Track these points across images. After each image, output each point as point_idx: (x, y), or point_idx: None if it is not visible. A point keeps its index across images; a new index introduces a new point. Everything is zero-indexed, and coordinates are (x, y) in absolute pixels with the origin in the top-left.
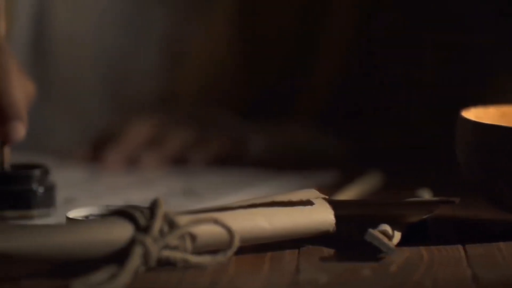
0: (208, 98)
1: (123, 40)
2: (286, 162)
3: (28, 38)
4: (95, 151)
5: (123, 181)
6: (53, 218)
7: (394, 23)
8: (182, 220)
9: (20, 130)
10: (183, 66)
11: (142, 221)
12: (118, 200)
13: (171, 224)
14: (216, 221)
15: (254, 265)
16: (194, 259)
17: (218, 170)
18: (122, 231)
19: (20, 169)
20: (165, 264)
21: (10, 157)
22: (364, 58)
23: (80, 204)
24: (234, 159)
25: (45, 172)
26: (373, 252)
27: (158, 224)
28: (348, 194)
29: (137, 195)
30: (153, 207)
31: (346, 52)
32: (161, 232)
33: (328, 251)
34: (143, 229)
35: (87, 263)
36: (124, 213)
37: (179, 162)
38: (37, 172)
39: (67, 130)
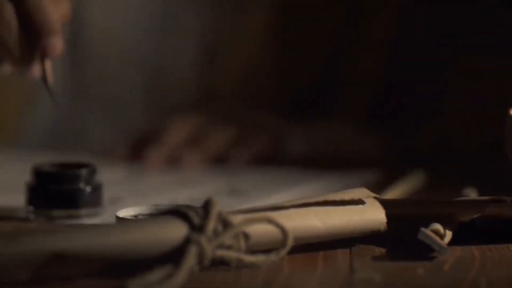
0: (246, 97)
1: (160, 38)
2: (326, 161)
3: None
4: (136, 150)
5: (166, 180)
6: (101, 218)
7: (435, 19)
8: (236, 219)
9: (57, 45)
10: (221, 65)
11: (196, 220)
12: (163, 199)
13: (225, 224)
14: (270, 220)
15: (307, 265)
16: (248, 258)
17: (259, 169)
18: (177, 231)
19: (67, 168)
20: (219, 263)
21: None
22: (405, 57)
23: (126, 204)
24: (274, 158)
25: (93, 171)
26: (425, 251)
27: (212, 223)
28: (393, 193)
29: (182, 194)
30: (207, 206)
31: (387, 51)
32: (215, 232)
33: (380, 250)
34: (197, 228)
35: (139, 263)
36: (178, 213)
37: (219, 161)
38: (84, 172)
39: (105, 128)
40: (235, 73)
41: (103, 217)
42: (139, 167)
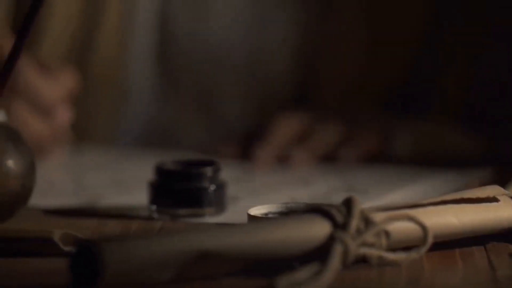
0: (347, 94)
1: (252, 36)
2: (433, 160)
3: (151, 37)
4: (244, 148)
5: (279, 179)
6: (224, 216)
7: None
8: (377, 217)
9: (62, 118)
10: (317, 62)
11: (339, 218)
12: (281, 198)
13: (367, 221)
14: (411, 218)
15: (446, 262)
16: (390, 256)
17: (369, 168)
18: (320, 229)
19: (190, 166)
20: (360, 261)
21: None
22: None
23: (245, 203)
24: (381, 156)
25: (217, 169)
26: None
27: (355, 221)
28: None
29: (299, 192)
30: (349, 204)
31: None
32: (358, 230)
33: None
34: (340, 226)
35: (280, 262)
36: (319, 211)
37: (328, 159)
38: (209, 170)
39: (199, 127)
40: (330, 71)
41: (226, 216)
42: (248, 165)
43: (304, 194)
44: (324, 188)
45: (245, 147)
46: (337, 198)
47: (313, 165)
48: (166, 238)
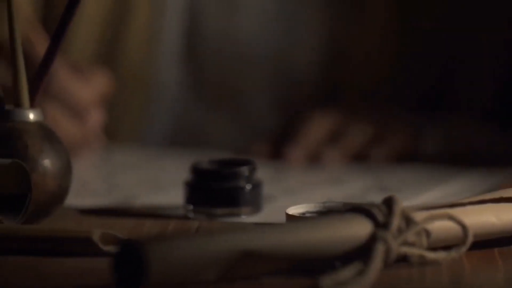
0: (377, 93)
1: (280, 35)
2: (464, 158)
3: (180, 36)
4: (275, 147)
5: (311, 178)
6: (260, 216)
7: None
8: (418, 216)
9: (94, 120)
10: (346, 60)
11: (380, 217)
12: (315, 197)
13: (408, 221)
14: (451, 217)
15: (486, 262)
16: (430, 255)
17: (401, 167)
18: (362, 228)
19: (225, 165)
20: (400, 260)
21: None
22: None
23: (280, 202)
24: (412, 156)
25: (253, 169)
26: None
27: (397, 220)
28: None
29: (332, 191)
30: (390, 203)
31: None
32: (399, 229)
33: None
34: (382, 225)
35: (321, 261)
36: (360, 210)
37: (359, 158)
38: (246, 169)
39: (226, 126)
40: (359, 69)
41: (262, 215)
42: (280, 164)
43: (338, 193)
44: (357, 187)
45: (277, 146)
46: (371, 197)
47: (344, 164)
48: (209, 238)
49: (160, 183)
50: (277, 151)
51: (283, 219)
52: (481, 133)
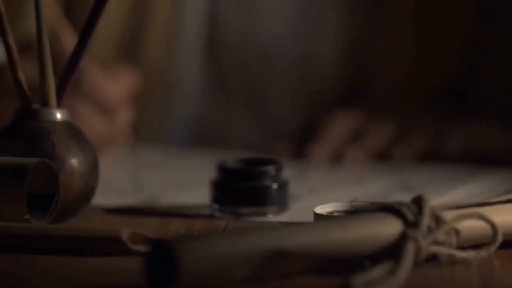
0: (399, 93)
1: (301, 33)
2: (484, 158)
3: (201, 35)
4: (298, 147)
5: (335, 177)
6: (286, 215)
7: None
8: (448, 215)
9: (122, 118)
10: (368, 60)
11: (410, 216)
12: (339, 196)
13: (438, 220)
14: (480, 216)
15: None
16: (460, 254)
17: (422, 166)
18: (392, 227)
19: (251, 165)
20: (430, 259)
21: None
22: None
23: (305, 201)
24: (433, 155)
25: (279, 168)
26: None
27: (427, 219)
28: None
29: (356, 191)
30: (420, 202)
31: None
32: (429, 228)
33: None
34: (412, 224)
35: (350, 261)
36: (390, 209)
37: (381, 158)
38: (272, 169)
39: (247, 125)
40: (381, 69)
41: (288, 214)
42: (303, 164)
43: (361, 193)
44: (381, 186)
45: (299, 145)
46: (395, 197)
47: (367, 164)
48: (239, 237)
49: (184, 182)
50: (299, 150)
51: (309, 218)
52: (502, 133)
